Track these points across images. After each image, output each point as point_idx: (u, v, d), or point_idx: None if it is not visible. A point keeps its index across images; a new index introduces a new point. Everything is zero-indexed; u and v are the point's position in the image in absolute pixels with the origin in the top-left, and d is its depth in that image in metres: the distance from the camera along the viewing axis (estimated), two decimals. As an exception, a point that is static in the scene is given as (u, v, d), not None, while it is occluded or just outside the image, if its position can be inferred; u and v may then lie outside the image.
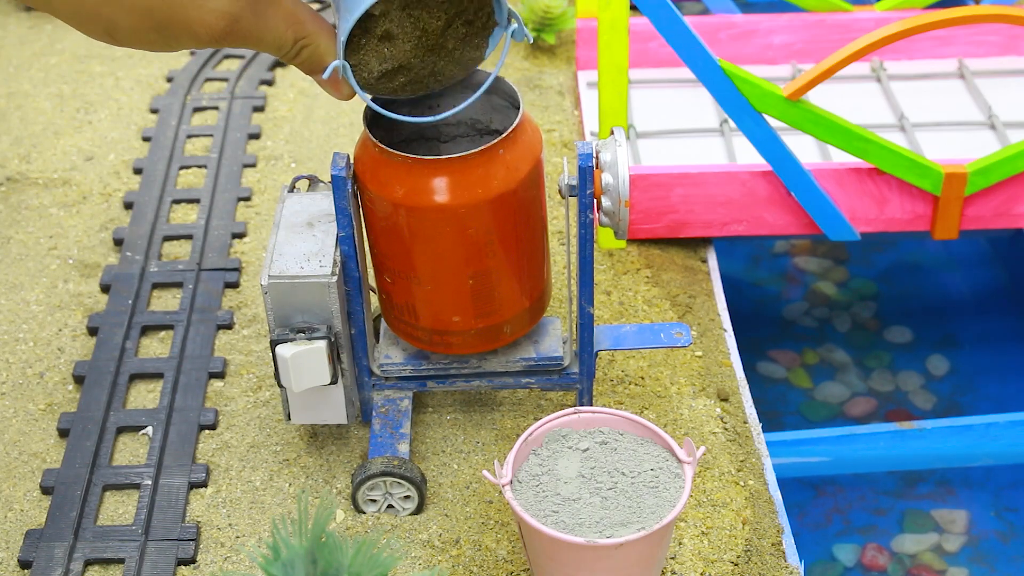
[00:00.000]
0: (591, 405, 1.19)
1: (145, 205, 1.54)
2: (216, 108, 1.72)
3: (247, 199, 1.55)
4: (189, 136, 1.67)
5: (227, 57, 1.83)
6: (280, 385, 1.12)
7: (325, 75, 1.00)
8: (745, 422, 1.27)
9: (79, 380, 1.30)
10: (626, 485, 1.03)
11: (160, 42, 0.95)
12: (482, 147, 1.05)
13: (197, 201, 1.55)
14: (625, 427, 1.08)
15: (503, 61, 1.05)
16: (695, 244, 1.51)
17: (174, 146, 1.65)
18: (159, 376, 1.30)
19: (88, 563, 1.11)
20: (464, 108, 1.07)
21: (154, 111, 1.73)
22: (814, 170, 1.45)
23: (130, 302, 1.39)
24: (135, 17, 0.92)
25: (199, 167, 1.61)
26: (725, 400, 1.28)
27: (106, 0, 0.91)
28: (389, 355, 1.18)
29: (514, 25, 1.04)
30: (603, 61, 1.38)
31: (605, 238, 1.46)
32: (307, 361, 1.10)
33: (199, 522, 1.14)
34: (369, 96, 1.05)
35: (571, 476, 1.04)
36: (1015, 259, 1.81)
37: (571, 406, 1.24)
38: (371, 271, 1.17)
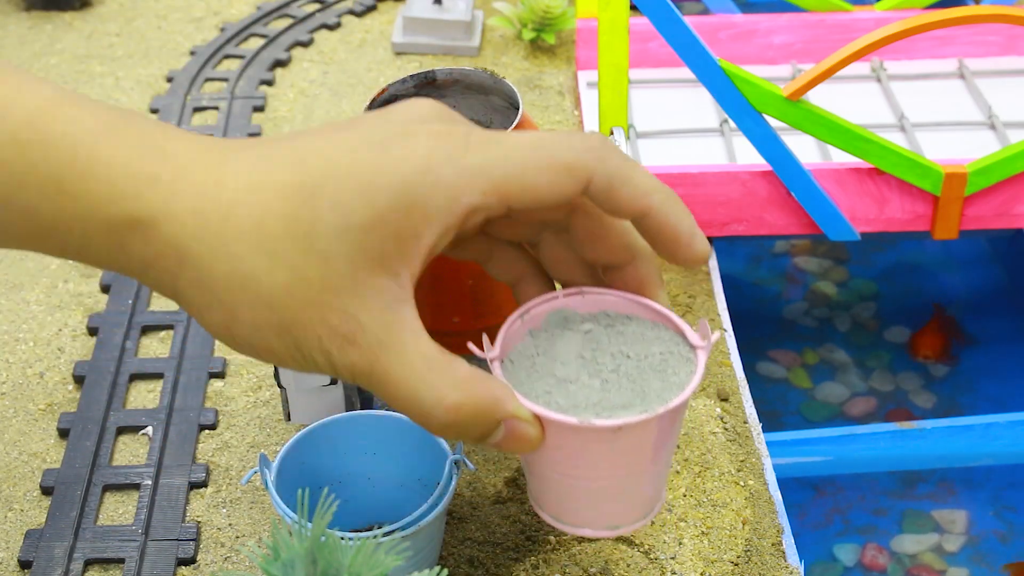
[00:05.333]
0: (591, 405, 1.18)
1: (145, 205, 1.54)
2: (216, 108, 1.72)
3: (247, 199, 1.55)
4: (189, 136, 1.67)
5: (227, 57, 1.83)
6: (280, 385, 1.12)
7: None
8: (745, 422, 1.27)
9: (79, 380, 1.30)
10: (630, 368, 0.91)
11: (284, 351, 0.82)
12: (482, 147, 1.04)
13: (197, 201, 1.55)
14: (635, 311, 0.95)
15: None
16: (695, 244, 1.51)
17: (174, 146, 1.64)
18: (159, 376, 1.30)
19: (88, 563, 1.11)
20: None
21: (154, 111, 1.73)
22: (814, 170, 1.45)
23: (130, 302, 1.39)
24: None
25: (199, 167, 1.61)
26: (725, 400, 1.28)
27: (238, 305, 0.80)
28: (389, 355, 1.18)
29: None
30: (603, 61, 1.38)
31: (605, 238, 1.46)
32: (307, 361, 1.09)
33: (199, 522, 1.14)
34: None
35: (569, 358, 0.92)
36: (1015, 259, 1.81)
37: (571, 406, 1.23)
38: (371, 271, 1.17)
